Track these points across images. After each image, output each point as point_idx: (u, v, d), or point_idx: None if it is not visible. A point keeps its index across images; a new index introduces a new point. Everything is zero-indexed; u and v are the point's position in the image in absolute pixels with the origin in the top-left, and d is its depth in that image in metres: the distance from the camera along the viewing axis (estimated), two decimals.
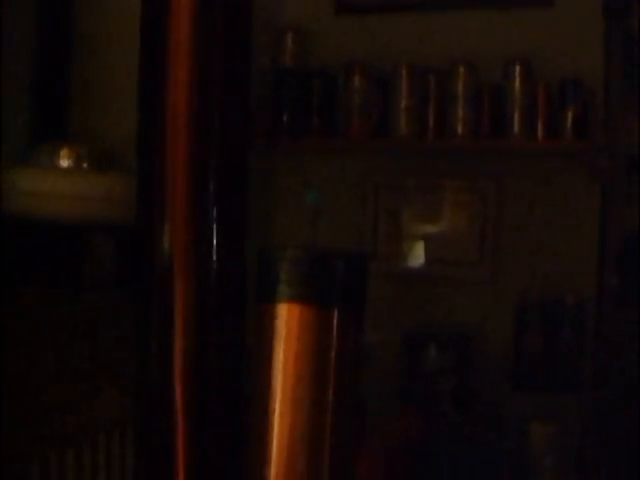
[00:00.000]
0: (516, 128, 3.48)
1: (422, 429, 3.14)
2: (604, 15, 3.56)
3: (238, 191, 1.17)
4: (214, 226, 1.10)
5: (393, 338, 3.56)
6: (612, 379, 3.36)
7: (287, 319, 0.71)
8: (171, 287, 1.04)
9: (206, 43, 1.19)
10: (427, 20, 3.78)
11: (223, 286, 1.01)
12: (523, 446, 3.34)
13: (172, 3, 1.18)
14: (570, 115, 3.47)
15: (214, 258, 1.10)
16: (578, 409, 3.37)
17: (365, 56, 3.73)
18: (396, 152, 3.78)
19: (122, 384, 2.16)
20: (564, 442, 3.33)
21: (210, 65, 1.20)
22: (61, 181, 2.45)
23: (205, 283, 1.05)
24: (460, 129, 3.52)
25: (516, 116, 3.48)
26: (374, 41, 3.79)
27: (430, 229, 3.79)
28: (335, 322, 0.70)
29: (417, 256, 3.81)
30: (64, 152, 2.50)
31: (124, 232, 2.41)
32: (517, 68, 3.49)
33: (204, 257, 1.08)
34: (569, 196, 3.63)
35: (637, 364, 3.36)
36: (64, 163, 2.50)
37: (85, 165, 2.51)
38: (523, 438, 3.34)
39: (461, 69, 3.53)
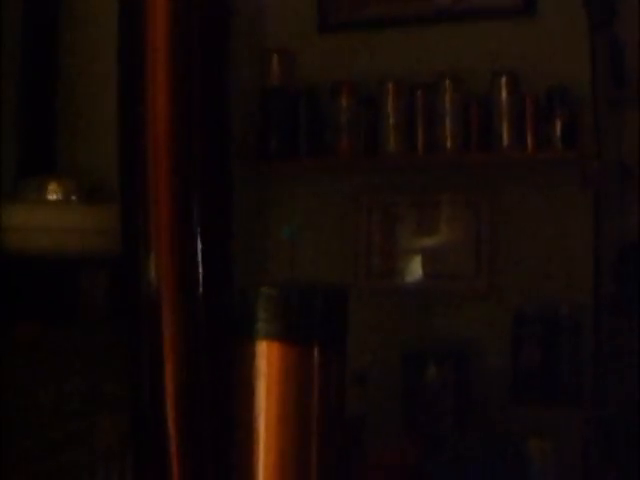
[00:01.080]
0: (505, 140, 3.47)
1: (421, 451, 3.14)
2: (589, 23, 3.56)
3: (222, 218, 1.17)
4: (199, 254, 1.10)
5: (391, 355, 3.55)
6: (612, 388, 3.35)
7: (267, 357, 0.70)
8: (159, 317, 1.03)
9: (184, 70, 1.17)
10: (411, 35, 3.78)
11: (211, 314, 1.01)
12: (522, 462, 3.32)
13: (148, 32, 1.17)
14: (559, 124, 3.46)
15: (201, 287, 1.09)
16: (578, 422, 3.36)
17: (351, 74, 3.73)
18: (387, 169, 3.77)
19: (117, 416, 2.15)
20: (563, 457, 3.32)
21: (189, 93, 1.19)
22: (50, 215, 2.45)
23: (193, 312, 1.05)
24: (449, 143, 3.51)
25: (505, 128, 3.47)
26: (359, 58, 3.79)
27: (424, 244, 3.78)
28: (316, 358, 0.70)
29: (412, 272, 3.80)
30: (52, 186, 2.49)
31: (115, 263, 2.40)
32: (503, 80, 3.49)
33: (191, 286, 1.07)
34: (562, 205, 3.62)
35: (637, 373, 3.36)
36: (53, 197, 2.49)
37: (74, 198, 2.50)
38: (522, 454, 3.32)
39: (447, 83, 3.52)
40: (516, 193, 3.66)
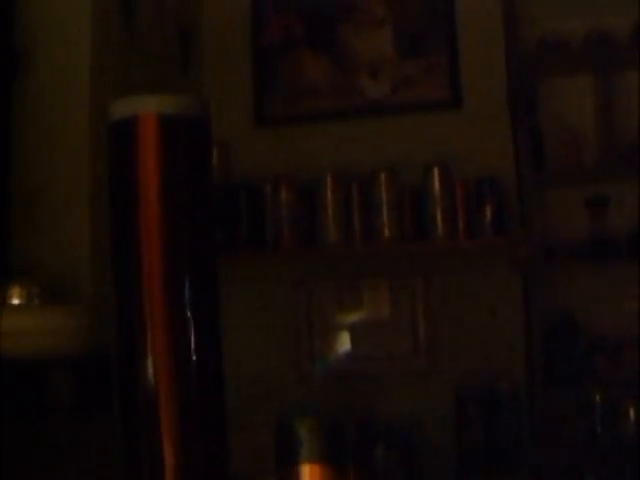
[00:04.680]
0: (439, 229, 3.64)
1: None
2: (511, 114, 3.77)
3: (212, 309, 1.27)
4: (192, 355, 1.20)
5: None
6: (548, 458, 3.49)
7: (310, 477, 0.82)
8: (157, 412, 1.13)
9: (171, 178, 1.28)
10: (346, 129, 3.95)
11: (204, 404, 1.12)
12: None
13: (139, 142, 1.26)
14: (488, 212, 3.64)
15: (195, 380, 1.19)
16: None
17: (288, 167, 3.86)
18: (326, 257, 3.89)
19: None
20: None
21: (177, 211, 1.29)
22: (14, 318, 2.51)
23: (188, 404, 1.15)
24: (386, 233, 3.66)
25: (438, 217, 3.63)
26: (295, 152, 3.94)
27: (364, 328, 3.90)
28: (351, 479, 0.82)
29: (352, 354, 3.91)
30: (15, 290, 2.56)
31: (79, 363, 2.49)
32: (435, 170, 3.66)
33: (186, 379, 1.17)
34: (493, 287, 3.78)
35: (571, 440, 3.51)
36: (15, 300, 2.56)
37: (36, 301, 2.58)
38: None
39: (382, 176, 3.68)
40: (450, 276, 3.82)
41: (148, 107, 1.19)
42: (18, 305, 2.57)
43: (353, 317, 3.92)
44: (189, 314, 1.17)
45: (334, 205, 3.70)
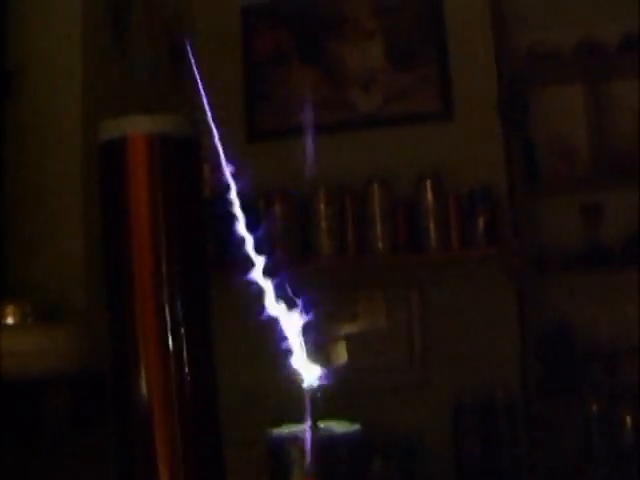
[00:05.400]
0: (432, 240, 3.64)
1: None
2: (502, 125, 3.78)
3: (204, 324, 1.27)
4: (186, 371, 1.20)
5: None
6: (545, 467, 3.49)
7: None
8: (151, 428, 1.13)
9: (163, 202, 1.28)
10: (338, 142, 3.95)
11: (198, 419, 1.12)
12: None
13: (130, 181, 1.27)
14: (481, 223, 3.64)
15: (189, 394, 1.19)
16: None
17: (281, 180, 3.86)
18: (320, 269, 3.89)
19: None
20: None
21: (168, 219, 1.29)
22: (9, 338, 2.51)
23: (182, 420, 1.15)
24: (380, 245, 3.67)
25: (431, 228, 3.64)
26: (289, 166, 3.93)
27: (358, 339, 3.89)
28: None
29: (347, 367, 3.90)
30: (9, 309, 2.56)
31: (74, 380, 2.49)
32: (428, 182, 3.67)
33: (180, 397, 1.17)
34: (487, 296, 3.78)
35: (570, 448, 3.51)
36: (10, 320, 2.56)
37: (30, 320, 2.58)
38: None
39: (375, 188, 3.69)
40: (445, 287, 3.82)
41: (137, 127, 1.19)
42: (12, 324, 2.57)
43: (346, 329, 3.91)
44: (182, 330, 1.17)
45: (328, 218, 3.71)
